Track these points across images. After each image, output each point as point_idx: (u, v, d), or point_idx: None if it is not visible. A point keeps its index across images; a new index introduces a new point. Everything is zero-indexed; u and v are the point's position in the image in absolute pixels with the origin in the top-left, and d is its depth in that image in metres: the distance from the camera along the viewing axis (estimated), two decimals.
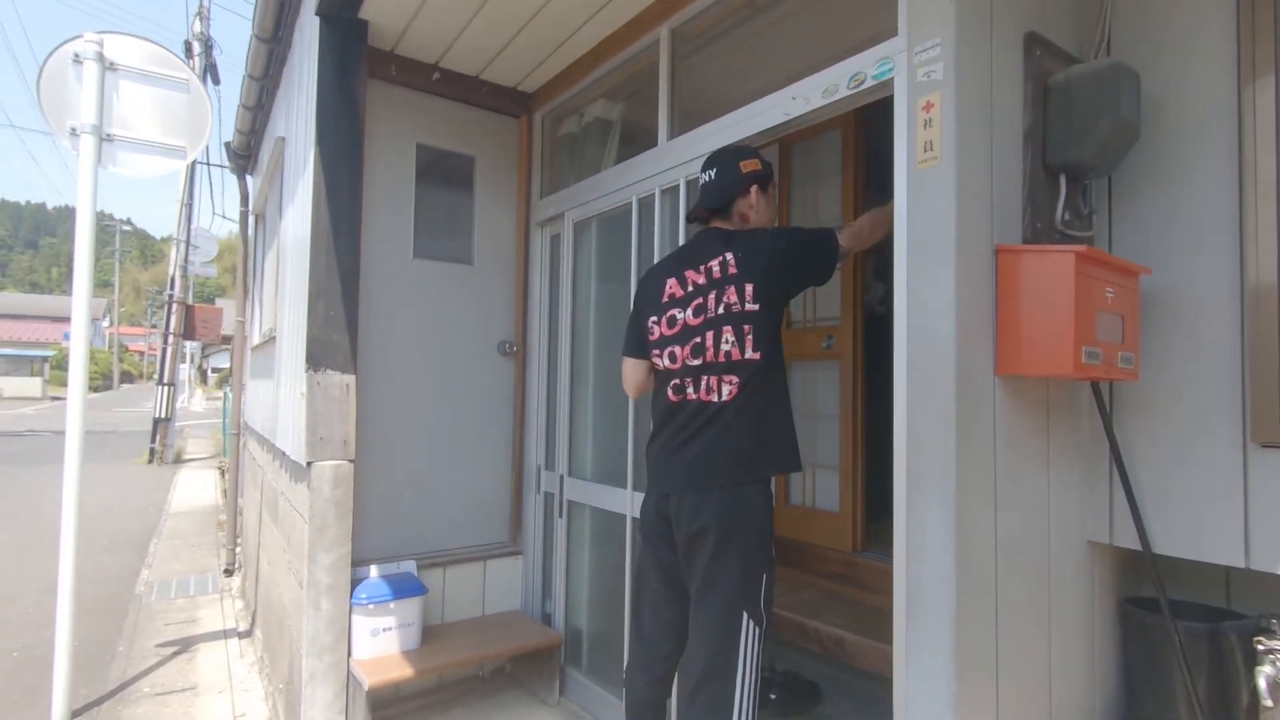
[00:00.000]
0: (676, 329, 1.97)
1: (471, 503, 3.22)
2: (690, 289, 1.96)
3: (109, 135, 3.31)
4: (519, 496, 3.30)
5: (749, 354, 1.83)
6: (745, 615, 1.82)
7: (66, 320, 50.91)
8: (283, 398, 3.20)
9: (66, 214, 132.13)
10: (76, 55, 3.27)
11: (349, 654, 2.61)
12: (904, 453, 1.58)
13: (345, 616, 2.58)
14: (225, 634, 4.33)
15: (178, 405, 13.35)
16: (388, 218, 3.01)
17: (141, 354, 63.60)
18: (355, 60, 2.64)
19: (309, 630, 2.52)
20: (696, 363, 1.90)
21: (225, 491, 9.49)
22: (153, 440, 12.13)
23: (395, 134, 3.04)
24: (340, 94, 2.60)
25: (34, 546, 6.26)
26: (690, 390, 1.91)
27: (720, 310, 1.88)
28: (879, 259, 3.66)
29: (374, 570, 2.82)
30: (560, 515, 3.09)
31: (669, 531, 1.94)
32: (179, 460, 12.41)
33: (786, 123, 2.02)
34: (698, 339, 1.91)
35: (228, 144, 5.33)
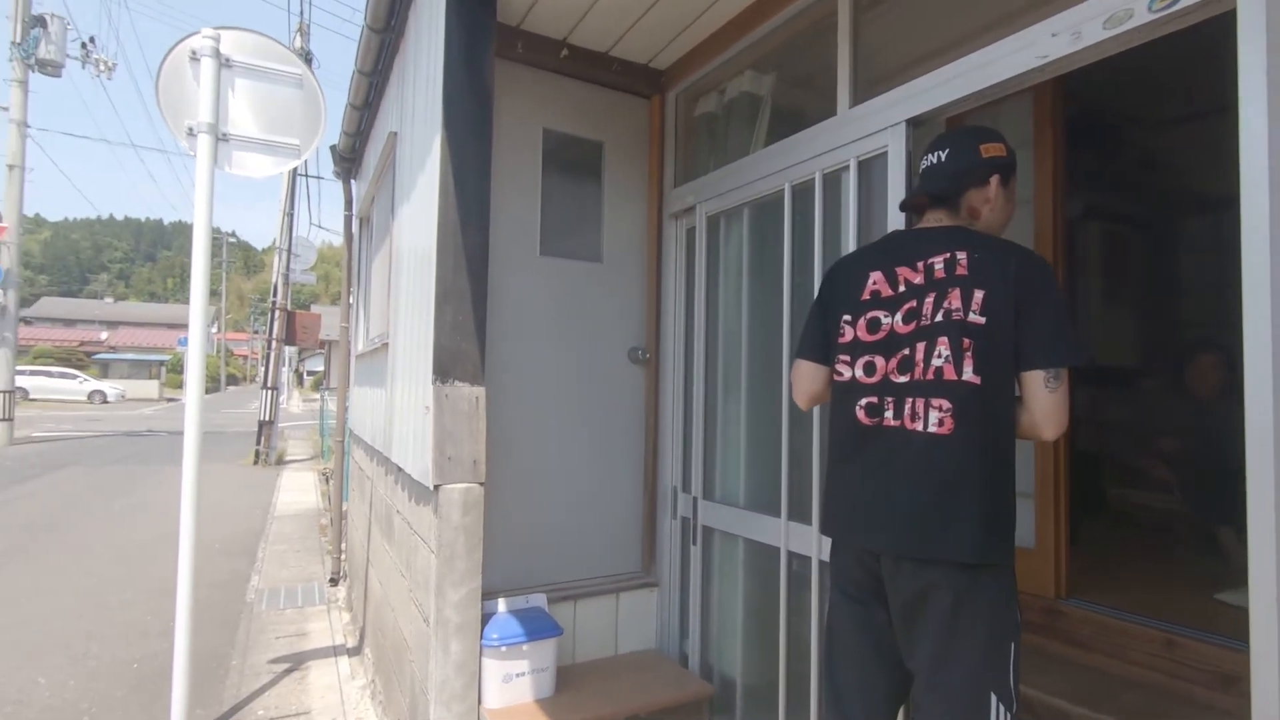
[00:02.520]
0: (879, 335, 1.57)
1: (601, 528, 2.90)
2: (902, 288, 1.56)
3: (225, 135, 3.18)
4: (652, 521, 2.95)
5: (966, 375, 1.42)
6: (994, 698, 1.42)
7: (181, 327, 54.79)
8: (399, 409, 2.97)
9: (181, 229, 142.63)
10: (194, 52, 3.15)
11: (479, 701, 2.31)
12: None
13: (476, 659, 2.29)
14: (335, 651, 4.19)
15: (279, 408, 13.84)
16: (513, 211, 2.73)
17: (245, 358, 67.78)
18: (484, 36, 2.35)
19: (437, 675, 2.24)
20: (902, 379, 1.51)
21: (325, 495, 9.65)
22: (258, 442, 12.57)
23: (521, 118, 2.75)
24: (468, 73, 2.33)
25: (152, 547, 6.41)
26: (889, 413, 1.52)
27: (938, 317, 1.47)
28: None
29: (502, 604, 2.52)
30: (694, 543, 2.73)
31: (878, 587, 1.55)
32: (281, 461, 12.82)
33: (1040, 68, 1.58)
34: (906, 350, 1.51)
35: (332, 147, 5.25)
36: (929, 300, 1.50)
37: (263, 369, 13.01)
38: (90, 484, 9.91)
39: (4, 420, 14.43)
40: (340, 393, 5.71)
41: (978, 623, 1.40)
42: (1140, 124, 4.25)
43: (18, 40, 14.30)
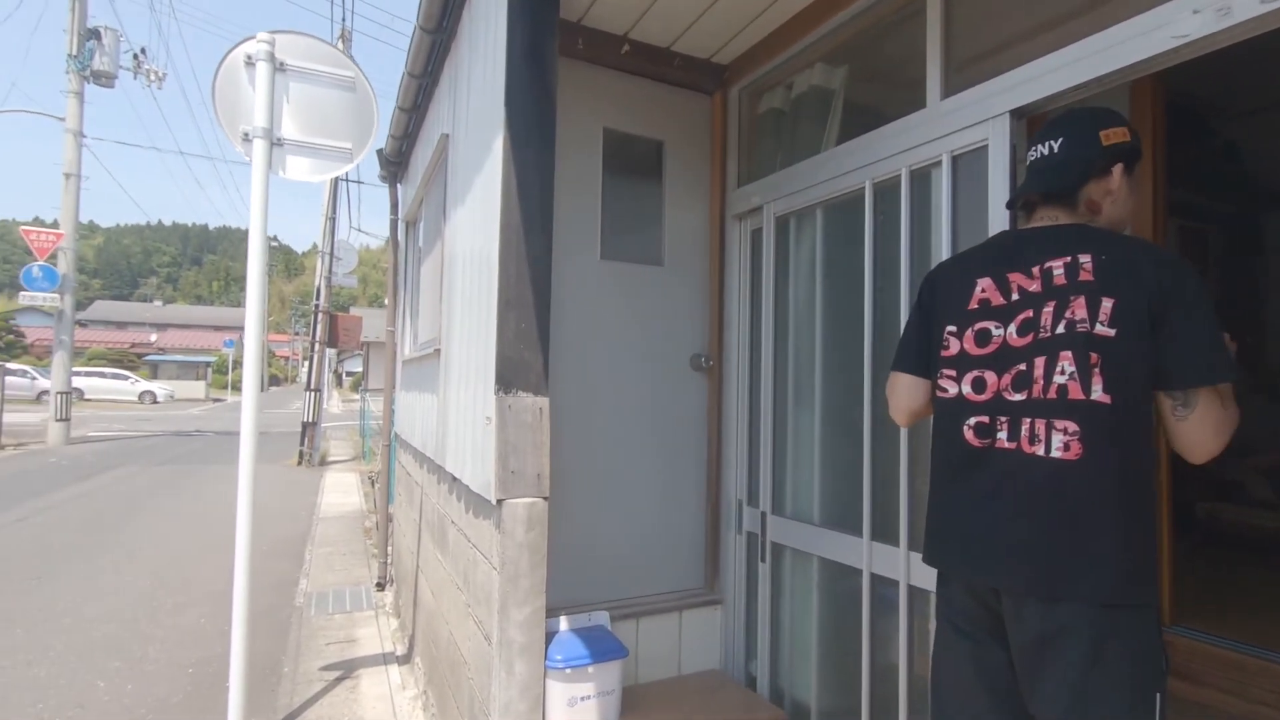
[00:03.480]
0: (990, 348, 1.43)
1: (662, 542, 2.79)
2: (1016, 297, 1.42)
3: (279, 139, 3.16)
4: (716, 536, 2.83)
5: (1095, 394, 1.27)
6: None
7: (226, 329, 56.35)
8: (454, 418, 2.90)
9: (226, 233, 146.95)
10: (249, 57, 3.13)
11: None
12: None
13: (540, 681, 2.20)
14: (385, 659, 4.16)
15: (321, 409, 14.06)
16: (573, 214, 2.64)
17: (285, 359, 69.39)
18: (547, 32, 2.26)
19: (501, 698, 2.15)
20: (1017, 398, 1.36)
21: (368, 497, 9.73)
22: (301, 443, 12.76)
23: (581, 118, 2.66)
24: (531, 71, 2.23)
25: (201, 548, 6.50)
26: (1004, 434, 1.38)
27: (1060, 329, 1.32)
28: None
29: (564, 622, 2.43)
30: (762, 560, 2.60)
31: (994, 624, 1.41)
32: (324, 462, 12.99)
33: (1175, 50, 1.42)
34: (1022, 366, 1.37)
35: (379, 151, 5.24)
36: (1048, 310, 1.36)
37: (305, 371, 13.21)
38: (143, 484, 10.14)
39: (61, 420, 14.91)
40: (386, 397, 5.70)
41: (1119, 670, 1.25)
42: (1231, 115, 3.99)
43: (74, 53, 14.75)
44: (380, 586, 5.54)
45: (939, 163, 1.94)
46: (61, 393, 15.02)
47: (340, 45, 13.07)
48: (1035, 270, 1.41)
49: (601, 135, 2.70)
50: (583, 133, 2.67)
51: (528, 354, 2.23)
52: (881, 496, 2.12)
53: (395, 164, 5.28)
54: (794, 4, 2.44)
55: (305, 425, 12.71)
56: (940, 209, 1.93)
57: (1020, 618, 1.34)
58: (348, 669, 3.98)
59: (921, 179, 2.02)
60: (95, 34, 14.89)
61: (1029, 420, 1.35)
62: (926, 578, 1.91)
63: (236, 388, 42.61)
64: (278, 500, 9.34)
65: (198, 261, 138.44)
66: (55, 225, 15.43)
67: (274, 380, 56.69)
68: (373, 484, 9.45)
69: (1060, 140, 1.46)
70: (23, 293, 14.61)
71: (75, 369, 33.73)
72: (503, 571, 2.18)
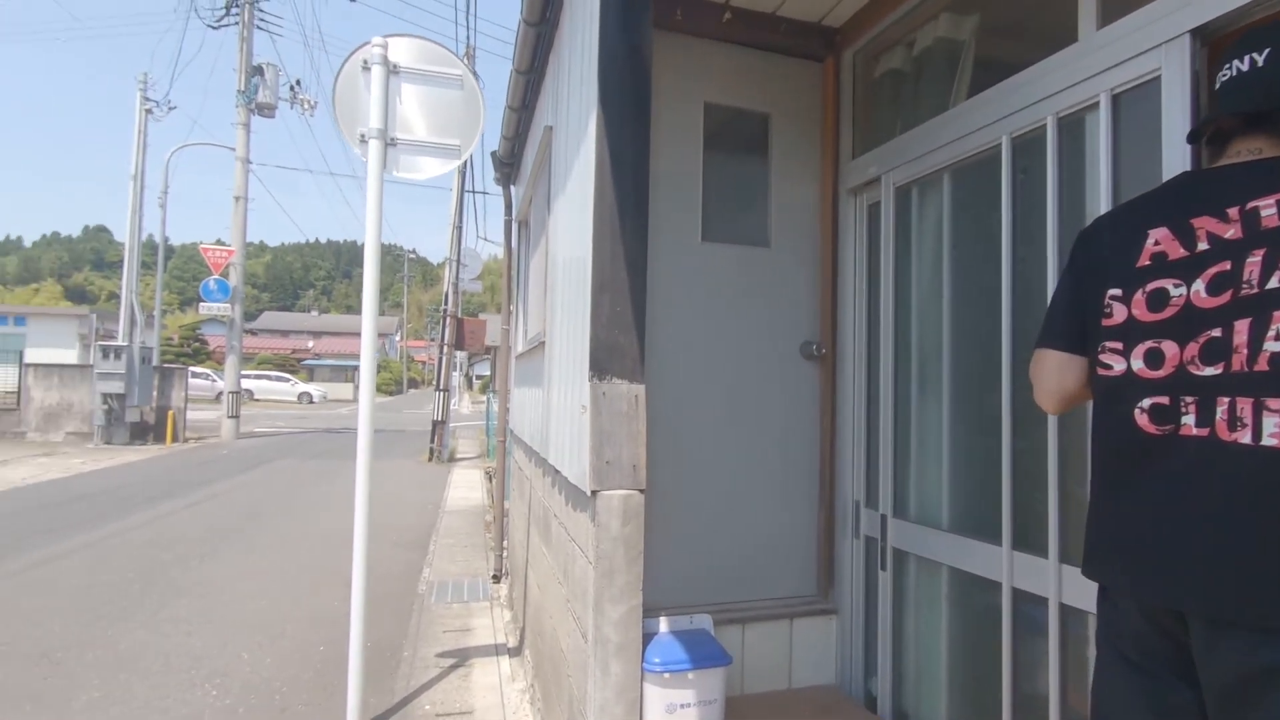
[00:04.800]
0: (1169, 311, 1.15)
1: (770, 544, 2.60)
2: (1205, 246, 1.14)
3: (393, 139, 3.26)
4: (829, 540, 2.60)
5: None
6: None
7: (378, 336, 61.05)
8: (555, 409, 2.86)
9: None
10: (365, 62, 3.26)
11: None
12: None
13: (637, 684, 2.08)
14: (496, 650, 4.22)
15: (450, 409, 14.85)
16: (672, 194, 2.52)
17: (423, 363, 74.41)
18: (642, 3, 2.15)
19: (596, 698, 2.06)
20: (1209, 372, 1.08)
21: (488, 492, 10.11)
22: (431, 440, 13.50)
23: (680, 93, 2.53)
24: (625, 44, 2.13)
25: (341, 536, 6.95)
26: (1190, 418, 1.10)
27: (1271, 282, 1.03)
28: None
29: (663, 623, 2.30)
30: (883, 568, 2.34)
31: (1176, 657, 1.13)
32: (452, 459, 13.67)
33: None
34: (1215, 331, 1.09)
35: (493, 153, 5.37)
36: (1254, 260, 1.07)
37: (436, 372, 13.96)
38: (296, 476, 11.10)
39: (232, 417, 16.67)
40: (501, 393, 5.84)
41: None
42: None
43: (242, 89, 16.50)
44: (496, 579, 5.67)
45: (1095, 104, 1.64)
46: (232, 392, 16.81)
47: (466, 62, 13.74)
48: (1234, 212, 1.12)
49: (702, 111, 2.56)
50: (681, 109, 2.54)
51: (622, 338, 2.13)
52: (1025, 499, 1.83)
53: (508, 165, 5.39)
54: None
55: (435, 424, 13.43)
56: (1097, 160, 1.63)
57: (1216, 651, 1.06)
58: (461, 657, 4.06)
59: (1072, 127, 1.73)
60: (259, 70, 16.58)
61: (1227, 400, 1.07)
62: (1083, 595, 1.61)
63: (383, 389, 46.14)
64: (407, 493, 9.89)
65: (348, 275, 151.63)
66: (229, 244, 17.29)
67: (412, 383, 60.84)
68: (491, 479, 9.77)
69: (1268, 51, 1.16)
70: (202, 304, 16.50)
71: (245, 372, 37.67)
72: (597, 566, 2.09)
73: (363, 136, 3.26)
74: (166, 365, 17.34)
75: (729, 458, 2.56)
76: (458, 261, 13.61)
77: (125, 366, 14.68)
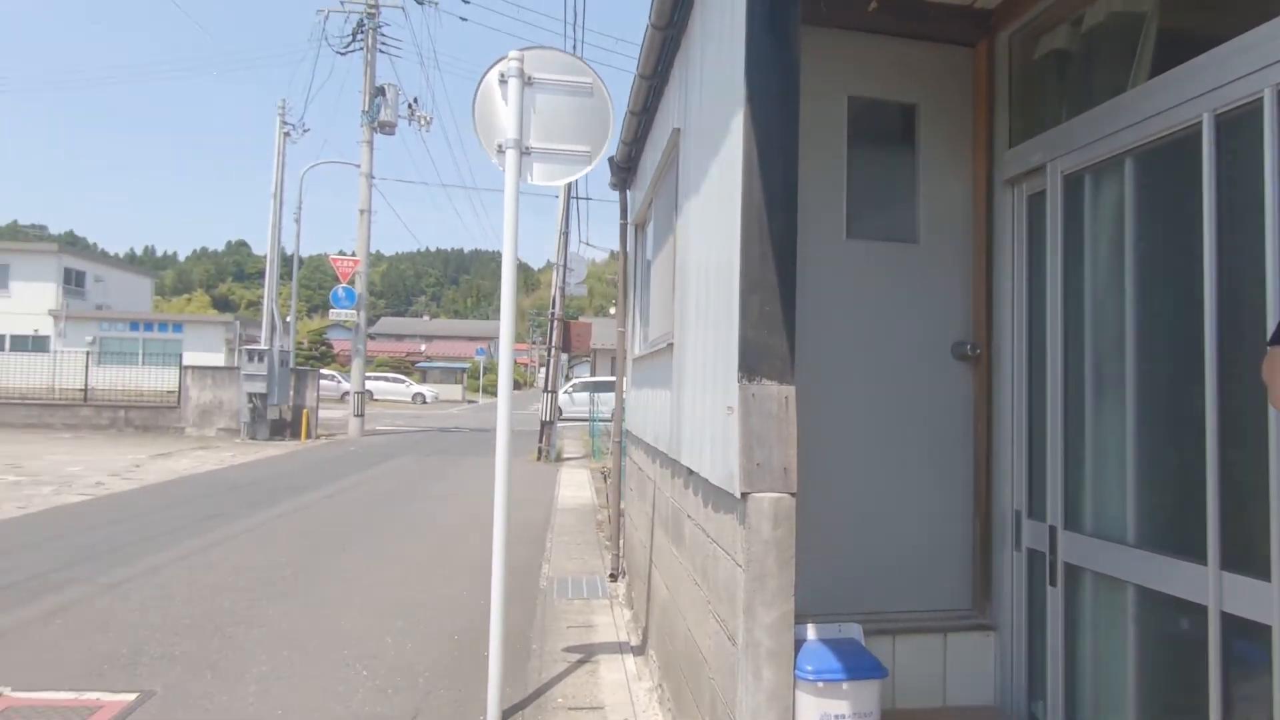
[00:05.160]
0: None
1: (920, 553, 2.49)
2: None
3: (527, 149, 3.38)
4: (986, 551, 2.46)
5: None
6: None
7: (479, 339, 63.62)
8: (689, 411, 2.86)
9: (477, 256, 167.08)
10: (501, 75, 3.39)
11: None
12: None
13: (789, 691, 2.04)
14: (620, 648, 4.28)
15: (558, 409, 15.27)
16: (815, 191, 2.46)
17: (524, 365, 77.01)
18: None
19: (747, 703, 2.03)
20: None
21: (598, 491, 10.29)
22: (539, 440, 13.90)
23: (822, 87, 2.47)
24: (773, 39, 2.11)
25: (462, 528, 7.29)
26: None
27: None
28: None
29: (811, 630, 2.25)
30: (1052, 583, 2.18)
31: None
32: (559, 458, 14.02)
33: None
34: None
35: (610, 159, 5.46)
36: None
37: (543, 374, 14.36)
38: (417, 471, 11.74)
39: (357, 416, 17.86)
40: (617, 396, 5.92)
41: None
42: None
43: (366, 109, 17.66)
44: (613, 577, 5.75)
45: None
46: (358, 393, 18.00)
47: None
48: None
49: (845, 104, 2.49)
50: (824, 103, 2.48)
51: (772, 339, 2.10)
52: (1235, 512, 1.65)
53: (625, 170, 5.46)
54: None
55: (543, 424, 13.81)
56: None
57: None
58: (587, 654, 4.15)
59: None
60: (381, 91, 17.68)
61: None
62: None
63: (488, 391, 48.07)
64: (520, 491, 10.22)
65: (455, 281, 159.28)
66: (354, 255, 18.55)
67: (515, 385, 62.89)
68: (604, 479, 9.94)
69: None
70: (331, 310, 17.78)
71: (368, 374, 40.20)
72: (748, 570, 2.06)
73: (500, 147, 3.39)
74: (299, 367, 18.82)
75: (874, 461, 2.47)
76: (564, 266, 13.96)
77: (267, 369, 16.05)
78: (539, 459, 13.76)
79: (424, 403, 37.12)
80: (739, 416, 2.09)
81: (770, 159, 2.10)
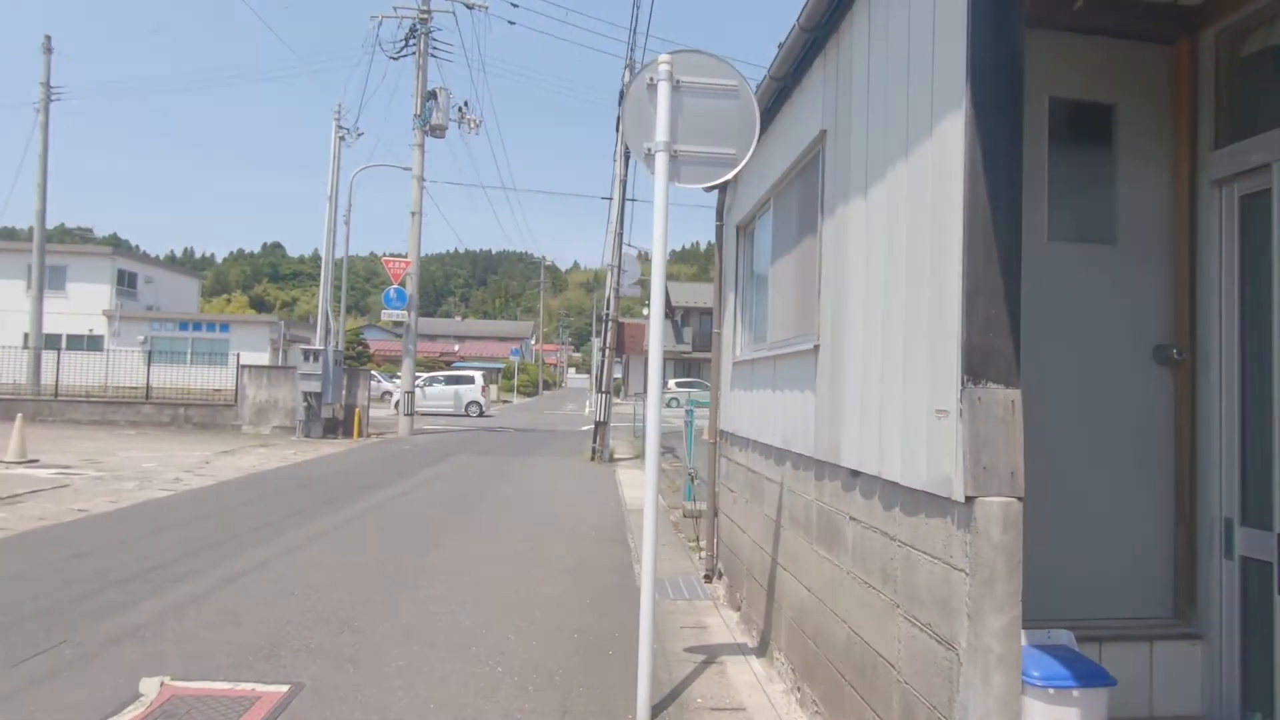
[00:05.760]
0: None
1: (1120, 560, 2.45)
2: None
3: (675, 152, 3.39)
4: (1190, 558, 2.42)
5: None
6: None
7: (510, 339, 64.05)
8: (858, 414, 2.84)
9: (505, 257, 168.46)
10: (650, 80, 3.42)
11: None
12: None
13: (1018, 697, 2.02)
14: (740, 649, 4.28)
15: (588, 410, 15.35)
16: None
17: (554, 366, 77.29)
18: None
19: (977, 708, 2.02)
20: None
21: (662, 492, 10.30)
22: (594, 440, 13.96)
23: (1025, 89, 2.45)
24: (998, 40, 2.09)
25: (540, 528, 7.32)
26: None
27: None
28: None
29: (1023, 636, 2.22)
30: None
31: None
32: (613, 459, 14.06)
33: None
34: None
35: None
36: None
37: (597, 375, 14.41)
38: (477, 471, 11.86)
39: (407, 415, 18.10)
40: (713, 399, 5.92)
41: None
42: None
43: (418, 113, 17.90)
44: (707, 578, 5.76)
45: None
46: (407, 392, 18.24)
47: (627, 74, 14.14)
48: None
49: (1046, 106, 2.46)
50: (1026, 104, 2.45)
51: (998, 342, 2.08)
52: None
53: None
54: None
55: (597, 424, 13.88)
56: None
57: None
58: (709, 654, 4.16)
59: None
60: (433, 95, 17.92)
61: None
62: None
63: (521, 390, 48.39)
64: (586, 491, 10.29)
65: (483, 282, 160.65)
66: (403, 256, 18.80)
67: (546, 385, 63.22)
68: (693, 480, 9.73)
69: None
70: (383, 311, 18.05)
71: (393, 375, 40.43)
72: (974, 575, 2.05)
73: (648, 150, 3.42)
74: (351, 367, 19.13)
75: (1075, 465, 2.44)
76: (618, 267, 14.02)
77: (322, 368, 16.34)
78: (593, 459, 13.83)
79: None
80: (964, 419, 2.08)
81: (995, 163, 2.08)
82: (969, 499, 2.07)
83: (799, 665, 3.63)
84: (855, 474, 2.92)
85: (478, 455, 14.12)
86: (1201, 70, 2.46)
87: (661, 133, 3.35)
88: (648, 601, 3.38)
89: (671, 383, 38.92)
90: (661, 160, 3.35)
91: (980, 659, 2.04)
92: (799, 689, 3.58)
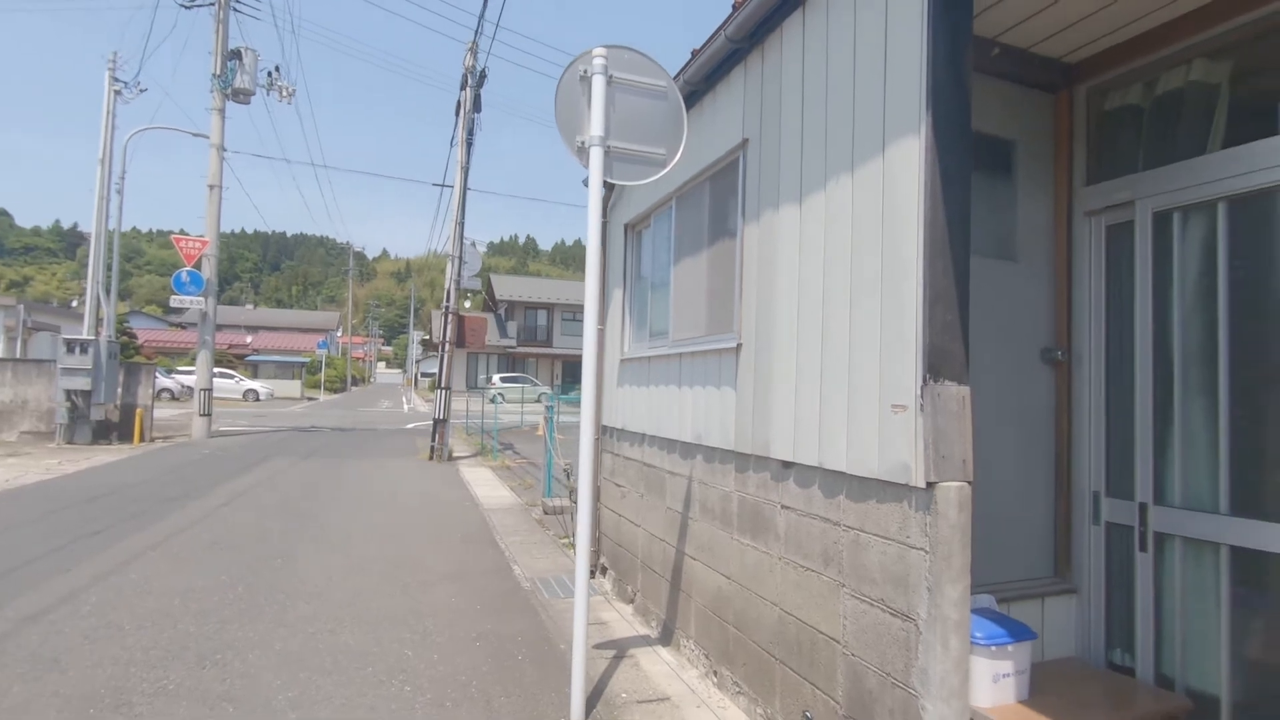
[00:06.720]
0: None
1: (1011, 530, 2.87)
2: None
3: (609, 148, 3.37)
4: (1067, 525, 2.90)
5: None
6: None
7: (313, 331, 58.75)
8: (788, 408, 3.03)
9: (301, 240, 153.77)
10: (584, 72, 3.36)
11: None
12: None
13: (968, 657, 2.31)
14: (645, 641, 4.36)
15: (406, 408, 14.65)
16: None
17: (361, 360, 72.01)
18: (964, 36, 2.38)
19: (938, 670, 2.27)
20: None
21: (515, 490, 10.08)
22: (432, 439, 13.30)
23: None
24: (951, 74, 2.35)
25: (396, 532, 6.80)
26: None
27: None
28: None
29: None
30: (1143, 550, 2.64)
31: None
32: (451, 458, 13.49)
33: None
34: None
35: None
36: None
37: (438, 371, 13.74)
38: (303, 476, 10.76)
39: (204, 415, 15.95)
40: (593, 394, 5.92)
41: None
42: None
43: (218, 73, 15.78)
44: (592, 574, 5.77)
45: None
46: (204, 390, 16.07)
47: (469, 56, 13.60)
48: None
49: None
50: None
51: (952, 345, 2.35)
52: None
53: None
54: (1183, 6, 2.49)
55: (436, 422, 13.23)
56: None
57: None
58: (617, 649, 4.19)
59: None
60: (237, 55, 15.89)
61: None
62: None
63: (328, 387, 44.56)
64: (437, 491, 9.78)
65: (276, 267, 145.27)
66: (200, 235, 16.49)
67: (353, 381, 58.86)
68: (512, 475, 9.40)
69: None
70: (173, 297, 15.70)
71: (181, 368, 35.63)
72: (934, 552, 2.30)
73: (582, 144, 3.36)
74: (132, 362, 16.41)
75: (979, 449, 2.80)
76: (459, 259, 13.47)
77: (92, 362, 13.86)
78: (431, 458, 13.17)
79: (257, 400, 33.73)
80: (926, 413, 2.32)
81: (951, 183, 2.34)
82: (930, 484, 2.31)
83: (713, 650, 3.78)
84: (788, 465, 3.11)
85: (300, 459, 12.82)
86: (1077, 118, 2.95)
87: (596, 127, 3.31)
88: (582, 601, 3.34)
89: (496, 378, 38.08)
90: (597, 156, 3.31)
91: (940, 626, 2.29)
92: (715, 673, 3.73)
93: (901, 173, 2.44)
